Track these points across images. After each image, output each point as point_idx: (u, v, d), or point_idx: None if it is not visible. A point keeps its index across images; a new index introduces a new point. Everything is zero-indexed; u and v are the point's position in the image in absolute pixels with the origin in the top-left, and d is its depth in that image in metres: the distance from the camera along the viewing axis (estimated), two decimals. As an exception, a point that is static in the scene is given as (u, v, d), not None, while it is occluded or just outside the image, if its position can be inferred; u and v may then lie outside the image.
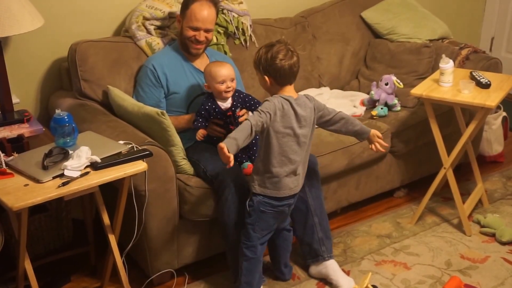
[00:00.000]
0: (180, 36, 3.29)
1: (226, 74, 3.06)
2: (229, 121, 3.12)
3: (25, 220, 2.49)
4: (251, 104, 3.16)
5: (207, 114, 3.09)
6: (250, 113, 3.29)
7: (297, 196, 2.89)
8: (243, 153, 3.10)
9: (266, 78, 2.74)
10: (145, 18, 3.39)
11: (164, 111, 2.93)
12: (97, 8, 3.48)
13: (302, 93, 3.86)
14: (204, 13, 3.19)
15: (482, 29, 5.53)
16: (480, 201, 3.75)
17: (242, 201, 2.89)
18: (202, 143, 3.18)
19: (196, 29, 3.20)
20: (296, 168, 2.79)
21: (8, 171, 2.54)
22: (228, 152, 2.52)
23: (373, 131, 2.95)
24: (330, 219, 3.25)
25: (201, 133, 3.09)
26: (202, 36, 3.21)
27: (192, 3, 3.19)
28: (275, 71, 2.71)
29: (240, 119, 3.14)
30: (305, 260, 3.17)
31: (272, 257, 3.12)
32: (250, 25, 3.75)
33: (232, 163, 2.54)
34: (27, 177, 2.50)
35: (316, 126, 2.86)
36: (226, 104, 3.12)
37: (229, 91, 3.08)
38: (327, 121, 2.87)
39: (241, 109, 3.16)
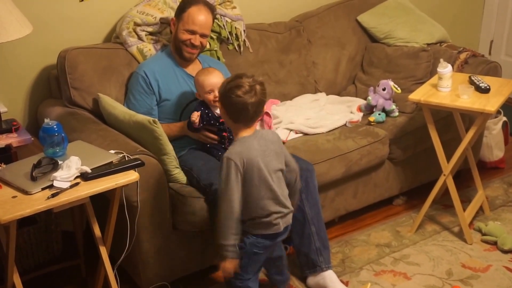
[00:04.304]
0: (174, 40, 3.26)
1: (214, 83, 3.04)
2: (222, 127, 3.10)
3: (14, 233, 2.45)
4: None
5: (200, 120, 3.06)
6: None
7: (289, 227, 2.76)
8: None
9: (220, 106, 2.61)
10: (136, 24, 3.36)
11: (156, 119, 2.89)
12: (86, 14, 3.44)
13: (297, 99, 3.86)
14: (201, 17, 3.18)
15: (481, 32, 5.50)
16: (481, 209, 3.71)
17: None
18: (195, 151, 3.17)
19: (193, 32, 3.18)
20: (279, 203, 2.63)
21: (-4, 182, 2.50)
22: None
23: None
24: (327, 228, 3.21)
25: (196, 113, 3.04)
26: (197, 40, 3.19)
27: (190, 6, 3.19)
28: (227, 105, 2.55)
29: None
30: (303, 271, 3.13)
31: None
32: (244, 30, 3.72)
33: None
34: (15, 188, 2.46)
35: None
36: (218, 111, 3.09)
37: (217, 101, 3.03)
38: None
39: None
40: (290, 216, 2.70)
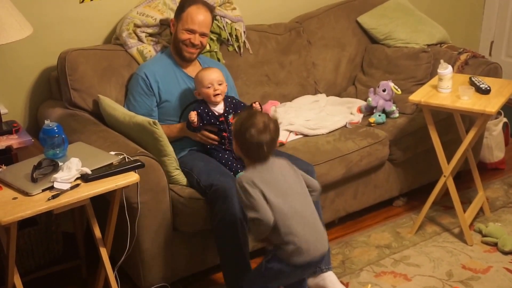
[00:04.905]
0: (174, 40, 3.26)
1: (213, 78, 3.06)
2: (222, 127, 3.10)
3: (14, 235, 2.45)
4: None
5: (200, 119, 3.06)
6: None
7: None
8: (238, 163, 3.07)
9: (234, 143, 2.60)
10: (136, 26, 3.35)
11: (156, 121, 2.89)
12: (87, 16, 3.44)
13: (297, 100, 3.85)
14: (200, 16, 3.19)
15: (481, 33, 5.49)
16: (481, 210, 3.70)
17: (235, 212, 2.82)
18: (196, 152, 3.17)
19: (192, 31, 3.19)
20: (308, 224, 2.57)
21: (-4, 184, 2.50)
22: None
23: None
24: (328, 229, 3.19)
25: (193, 113, 3.03)
26: (197, 39, 3.19)
27: (189, 6, 3.19)
28: (242, 143, 2.55)
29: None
30: (303, 272, 3.10)
31: None
32: (244, 32, 3.71)
33: None
34: (16, 190, 2.46)
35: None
36: (218, 110, 3.10)
37: (217, 94, 3.06)
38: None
39: (234, 117, 3.12)
40: (321, 243, 2.59)
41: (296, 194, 2.57)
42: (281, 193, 2.51)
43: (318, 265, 2.72)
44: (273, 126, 2.54)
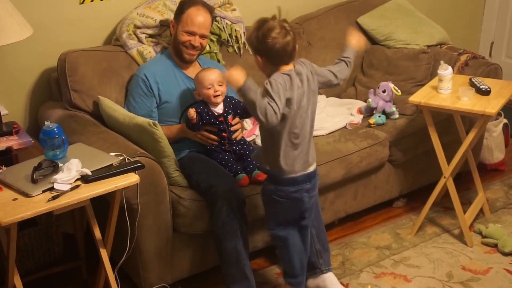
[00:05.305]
0: (173, 42, 3.26)
1: (213, 79, 3.07)
2: (222, 127, 3.10)
3: (14, 236, 2.45)
4: (243, 112, 3.17)
5: (199, 117, 3.07)
6: (245, 123, 3.28)
7: (316, 182, 2.74)
8: (238, 164, 3.08)
9: (258, 58, 2.56)
10: (136, 27, 3.36)
11: (156, 122, 2.89)
12: (87, 17, 3.44)
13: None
14: (200, 18, 3.18)
15: (481, 34, 5.50)
16: (481, 211, 3.70)
17: (235, 213, 2.83)
18: (195, 153, 3.17)
19: (192, 33, 3.18)
20: (304, 145, 2.64)
21: (-4, 185, 2.50)
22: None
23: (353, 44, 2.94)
24: (328, 230, 3.20)
25: (191, 110, 3.03)
26: (197, 41, 3.19)
27: (188, 7, 3.18)
28: (266, 51, 2.50)
29: (233, 128, 3.13)
30: (303, 273, 3.10)
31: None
32: (244, 33, 3.71)
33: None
34: (16, 191, 2.46)
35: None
36: (218, 110, 3.11)
37: (217, 95, 3.07)
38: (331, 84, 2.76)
39: (234, 117, 3.14)
40: (309, 162, 2.68)
41: (304, 109, 2.57)
42: (294, 105, 2.53)
43: (308, 187, 2.71)
44: (287, 24, 2.53)
